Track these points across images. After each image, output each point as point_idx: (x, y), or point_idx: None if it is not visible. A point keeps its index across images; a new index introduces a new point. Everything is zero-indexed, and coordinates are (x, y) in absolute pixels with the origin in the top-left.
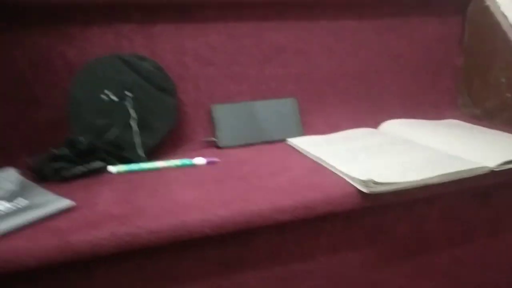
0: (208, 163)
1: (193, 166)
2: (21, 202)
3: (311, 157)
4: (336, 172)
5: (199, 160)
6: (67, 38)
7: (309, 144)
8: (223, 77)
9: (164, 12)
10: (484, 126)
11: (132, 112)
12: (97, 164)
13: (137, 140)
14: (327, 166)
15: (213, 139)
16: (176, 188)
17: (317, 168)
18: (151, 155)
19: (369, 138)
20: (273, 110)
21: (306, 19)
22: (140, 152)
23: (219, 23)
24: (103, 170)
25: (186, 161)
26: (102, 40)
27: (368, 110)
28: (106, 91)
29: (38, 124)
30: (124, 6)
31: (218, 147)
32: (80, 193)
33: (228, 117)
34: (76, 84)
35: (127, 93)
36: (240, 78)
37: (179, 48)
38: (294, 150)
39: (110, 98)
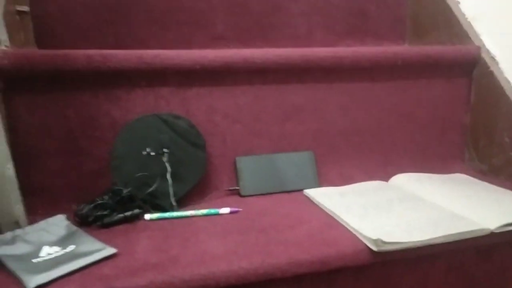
0: (232, 212)
1: (218, 214)
2: (69, 247)
3: (326, 210)
4: (349, 228)
5: (224, 210)
6: (113, 99)
7: (324, 196)
8: (248, 133)
9: (198, 77)
10: (489, 182)
11: (168, 166)
12: (136, 211)
13: (170, 190)
14: (340, 221)
15: (237, 188)
16: (204, 238)
17: (331, 222)
18: (180, 202)
19: (379, 193)
20: (291, 162)
21: (323, 82)
22: (172, 201)
23: (246, 86)
24: (139, 217)
25: (212, 210)
26: (144, 101)
27: (379, 163)
28: (146, 149)
29: (83, 174)
30: (164, 72)
31: (240, 196)
32: (120, 239)
33: (250, 168)
34: (120, 140)
35: (164, 150)
36: (263, 134)
37: (210, 108)
38: (310, 201)
39: (148, 153)
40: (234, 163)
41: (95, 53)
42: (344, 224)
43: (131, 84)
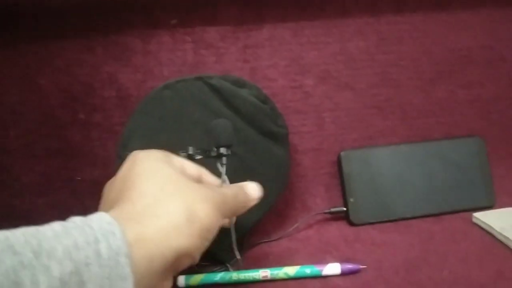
0: (345, 272)
1: (321, 277)
2: None
3: None
4: None
5: (331, 268)
6: (120, 53)
7: None
8: (364, 108)
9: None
10: None
11: (227, 180)
12: None
13: (232, 228)
14: None
15: (342, 208)
16: None
17: None
18: (244, 238)
19: None
20: (442, 159)
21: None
22: (234, 246)
23: (365, 18)
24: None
25: (306, 268)
26: (176, 52)
27: None
28: (189, 148)
29: (74, 188)
30: None
31: (350, 224)
32: None
33: (367, 171)
34: (134, 129)
35: (221, 149)
36: (390, 108)
37: (296, 61)
38: (491, 239)
39: (191, 156)
40: (339, 162)
41: None
42: None
43: (152, 22)
